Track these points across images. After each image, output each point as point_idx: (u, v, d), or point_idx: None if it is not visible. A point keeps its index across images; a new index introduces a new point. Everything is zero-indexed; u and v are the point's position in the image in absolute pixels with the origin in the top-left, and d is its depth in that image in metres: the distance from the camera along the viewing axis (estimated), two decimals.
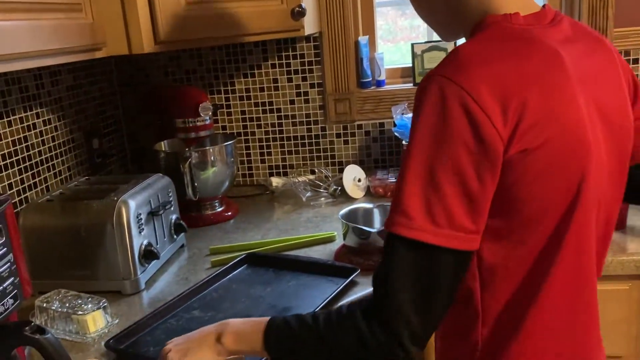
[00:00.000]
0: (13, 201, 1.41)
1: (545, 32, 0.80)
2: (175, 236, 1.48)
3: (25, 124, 1.48)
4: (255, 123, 1.99)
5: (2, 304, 0.88)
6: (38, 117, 1.54)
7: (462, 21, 0.85)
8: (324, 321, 0.79)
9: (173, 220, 1.47)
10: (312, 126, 1.96)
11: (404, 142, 1.72)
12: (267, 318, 0.86)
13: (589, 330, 0.87)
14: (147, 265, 1.32)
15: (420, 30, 2.13)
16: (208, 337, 0.89)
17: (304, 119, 1.96)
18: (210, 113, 1.69)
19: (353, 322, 0.75)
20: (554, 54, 0.77)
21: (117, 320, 1.16)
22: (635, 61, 1.80)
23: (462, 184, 0.70)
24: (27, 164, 1.48)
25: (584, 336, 0.86)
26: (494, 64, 0.73)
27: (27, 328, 0.84)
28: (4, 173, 1.40)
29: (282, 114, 1.96)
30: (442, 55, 1.88)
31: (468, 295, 0.81)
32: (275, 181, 1.93)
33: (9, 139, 1.42)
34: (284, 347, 0.83)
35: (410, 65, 1.91)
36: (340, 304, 0.81)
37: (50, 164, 1.58)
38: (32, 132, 1.51)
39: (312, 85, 1.93)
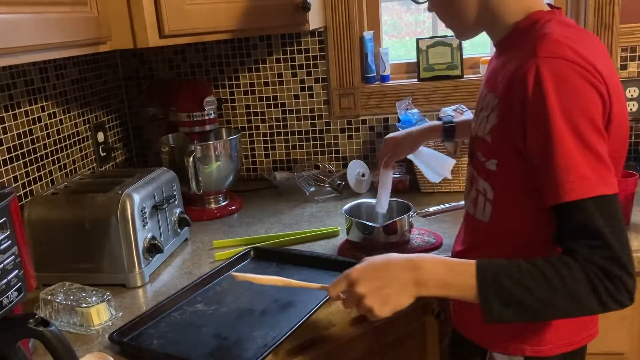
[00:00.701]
0: (18, 194, 1.42)
1: None
2: (179, 230, 1.48)
3: (30, 117, 1.49)
4: (259, 117, 1.99)
5: (7, 297, 0.88)
6: (43, 111, 1.54)
7: (496, 19, 0.96)
8: (546, 267, 0.82)
9: (177, 214, 1.47)
10: (317, 121, 1.96)
11: None
12: (469, 262, 0.85)
13: None
14: (151, 258, 1.33)
15: (425, 26, 2.13)
16: (408, 286, 0.87)
17: (308, 114, 1.96)
18: (214, 107, 1.69)
19: (582, 269, 0.80)
20: (597, 40, 0.94)
21: (120, 313, 1.16)
22: None
23: (602, 139, 0.83)
24: (32, 157, 1.49)
25: None
26: (578, 42, 0.85)
27: (31, 320, 0.84)
28: (9, 166, 1.40)
29: (287, 108, 1.96)
30: (447, 50, 1.87)
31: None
32: (280, 176, 1.93)
33: (14, 132, 1.43)
34: (503, 292, 0.82)
35: (415, 60, 1.91)
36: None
37: (55, 157, 1.58)
38: (37, 125, 1.51)
39: (316, 80, 1.92)
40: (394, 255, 0.91)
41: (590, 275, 0.80)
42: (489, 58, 1.85)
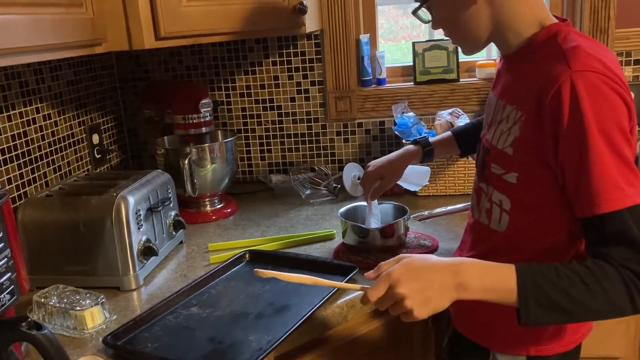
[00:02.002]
0: (12, 196, 1.41)
1: None
2: (174, 232, 1.48)
3: (25, 119, 1.48)
4: (255, 120, 1.98)
5: None
6: (38, 112, 1.53)
7: (508, 33, 0.97)
8: (583, 271, 0.84)
9: (172, 217, 1.47)
10: (313, 124, 1.96)
11: (404, 141, 1.72)
12: (507, 266, 0.86)
13: None
14: (145, 261, 1.32)
15: (421, 29, 2.13)
16: (449, 289, 0.86)
17: (305, 117, 1.96)
18: (210, 109, 1.69)
19: (618, 273, 0.83)
20: (609, 49, 0.98)
21: (115, 316, 1.16)
22: (637, 62, 1.79)
23: (630, 147, 0.86)
24: (27, 158, 1.48)
25: None
26: (602, 54, 0.88)
27: (23, 324, 0.84)
28: (3, 168, 1.39)
29: (283, 111, 1.96)
30: (443, 54, 1.87)
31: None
32: (275, 178, 1.92)
33: (9, 134, 1.42)
34: (543, 296, 0.83)
35: (411, 63, 1.91)
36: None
37: (49, 159, 1.57)
38: (32, 126, 1.51)
39: (312, 83, 1.92)
40: (433, 258, 0.90)
41: (625, 280, 0.82)
42: (486, 62, 1.88)
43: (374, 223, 1.37)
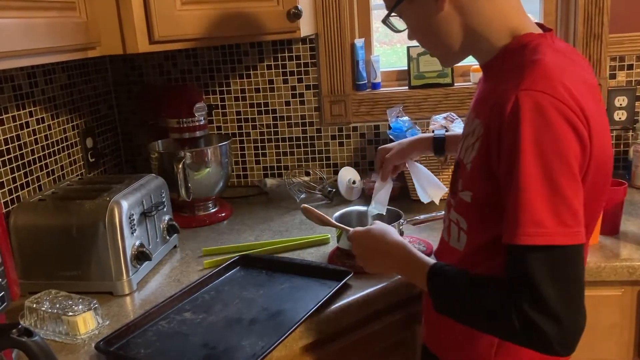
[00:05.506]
0: (4, 200, 1.40)
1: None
2: (167, 237, 1.47)
3: (18, 123, 1.47)
4: (250, 124, 1.98)
5: None
6: (31, 116, 1.53)
7: (481, 43, 0.92)
8: (483, 293, 0.85)
9: (166, 221, 1.46)
10: (308, 128, 1.96)
11: None
12: (426, 265, 0.95)
13: None
14: (139, 266, 1.31)
15: None
16: (381, 263, 1.08)
17: (299, 121, 1.96)
18: (205, 113, 1.69)
19: (509, 310, 0.79)
20: (586, 67, 0.91)
21: (107, 322, 1.15)
22: (630, 67, 1.80)
23: (576, 184, 0.78)
24: (20, 162, 1.47)
25: None
26: (568, 75, 0.81)
27: (14, 330, 0.83)
28: None
29: (278, 115, 1.96)
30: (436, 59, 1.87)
31: None
32: (270, 182, 1.92)
33: (1, 138, 1.41)
34: (442, 292, 0.92)
35: (406, 68, 1.91)
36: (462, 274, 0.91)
37: (43, 163, 1.56)
38: (25, 130, 1.50)
39: (307, 87, 1.92)
40: (388, 234, 1.07)
41: (513, 321, 0.78)
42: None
43: (380, 205, 1.37)
